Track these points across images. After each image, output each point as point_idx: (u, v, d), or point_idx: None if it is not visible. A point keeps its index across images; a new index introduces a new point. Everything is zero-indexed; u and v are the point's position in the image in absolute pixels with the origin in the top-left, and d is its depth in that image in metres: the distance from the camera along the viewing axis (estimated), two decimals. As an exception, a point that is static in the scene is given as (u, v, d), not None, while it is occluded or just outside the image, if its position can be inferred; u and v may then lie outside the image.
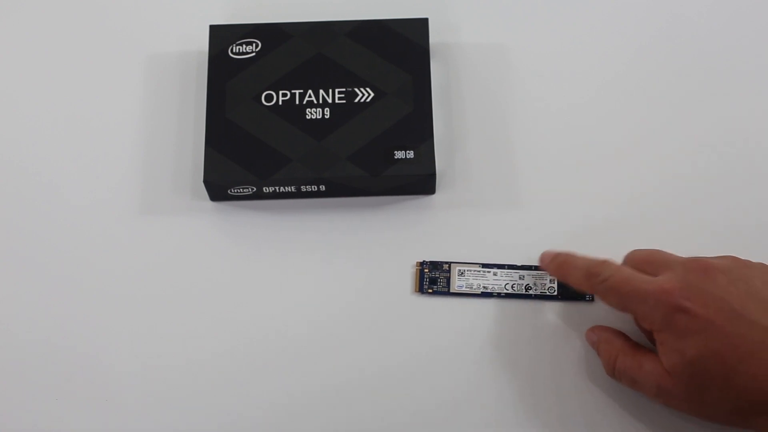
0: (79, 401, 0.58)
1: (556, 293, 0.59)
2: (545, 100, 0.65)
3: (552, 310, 0.59)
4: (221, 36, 0.65)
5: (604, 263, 0.55)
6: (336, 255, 0.61)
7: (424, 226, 0.62)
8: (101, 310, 0.60)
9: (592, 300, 0.59)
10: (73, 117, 0.66)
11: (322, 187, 0.62)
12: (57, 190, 0.63)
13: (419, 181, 0.61)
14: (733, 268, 0.52)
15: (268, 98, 0.63)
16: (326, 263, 0.61)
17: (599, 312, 0.59)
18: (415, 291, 0.60)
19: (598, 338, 0.57)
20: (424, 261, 0.60)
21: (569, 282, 0.57)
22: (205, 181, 0.61)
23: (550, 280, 0.59)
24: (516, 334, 0.59)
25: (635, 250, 0.57)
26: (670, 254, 0.55)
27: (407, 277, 0.61)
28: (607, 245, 0.59)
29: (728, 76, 0.66)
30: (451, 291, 0.60)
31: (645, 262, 0.55)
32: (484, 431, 0.57)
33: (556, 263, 0.58)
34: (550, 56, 0.67)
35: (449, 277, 0.60)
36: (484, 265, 0.60)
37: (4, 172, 0.64)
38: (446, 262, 0.60)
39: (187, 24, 0.68)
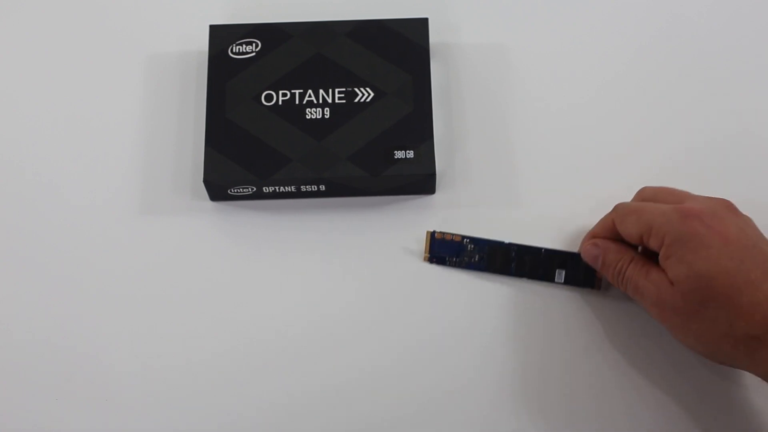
0: (79, 401, 0.58)
1: (563, 280, 0.59)
2: (545, 100, 0.65)
3: (557, 294, 0.60)
4: (221, 36, 0.65)
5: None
6: (336, 255, 0.61)
7: (424, 226, 0.62)
8: (101, 310, 0.60)
9: (599, 287, 0.59)
10: (73, 117, 0.66)
11: (322, 187, 0.62)
12: (57, 190, 0.63)
13: (419, 181, 0.61)
14: (749, 219, 0.54)
15: (268, 98, 0.63)
16: (326, 263, 0.61)
17: (601, 300, 0.59)
18: (425, 259, 0.60)
19: (604, 249, 0.57)
20: (434, 231, 0.61)
21: (597, 229, 0.58)
22: (205, 181, 0.61)
23: (559, 264, 0.60)
24: (522, 316, 0.59)
25: (649, 187, 0.58)
26: (688, 193, 0.56)
27: (407, 277, 0.61)
28: (607, 245, 0.59)
29: (728, 76, 0.66)
30: (462, 265, 0.60)
31: (666, 192, 0.56)
32: (485, 415, 0.57)
33: (585, 239, 0.59)
34: (550, 56, 0.67)
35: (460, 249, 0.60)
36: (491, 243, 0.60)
37: (4, 172, 0.64)
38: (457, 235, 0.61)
39: (187, 24, 0.68)
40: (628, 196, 0.60)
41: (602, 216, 0.59)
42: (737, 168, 0.63)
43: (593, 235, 0.59)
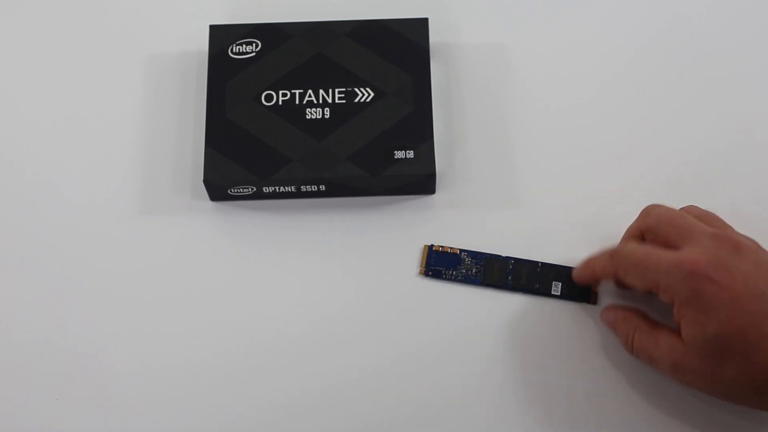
0: (79, 401, 0.58)
1: (560, 293, 0.59)
2: (545, 100, 0.65)
3: (553, 307, 0.60)
4: (221, 36, 0.65)
5: (626, 241, 0.55)
6: (336, 255, 0.61)
7: (424, 226, 0.62)
8: (101, 310, 0.60)
9: (594, 301, 0.59)
10: (73, 117, 0.66)
11: (322, 187, 0.62)
12: (57, 190, 0.63)
13: (419, 181, 0.61)
14: (758, 249, 0.52)
15: (268, 98, 0.63)
16: (326, 263, 0.61)
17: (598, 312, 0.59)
18: (420, 273, 0.60)
19: (615, 317, 0.57)
20: (431, 245, 0.61)
21: (597, 273, 0.57)
22: (205, 181, 0.61)
23: (554, 277, 0.59)
24: (520, 329, 0.59)
25: (658, 207, 0.56)
26: (696, 223, 0.54)
27: (408, 276, 0.61)
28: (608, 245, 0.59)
29: (728, 77, 0.66)
30: (458, 279, 0.60)
31: (669, 224, 0.54)
32: (481, 425, 0.57)
33: (580, 266, 0.58)
34: (550, 56, 0.67)
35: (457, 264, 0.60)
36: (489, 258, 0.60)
37: (4, 172, 0.64)
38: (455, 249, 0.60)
39: (187, 24, 0.68)
40: (628, 196, 0.60)
41: (602, 216, 0.59)
42: (737, 168, 0.63)
43: (589, 267, 0.58)
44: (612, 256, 0.55)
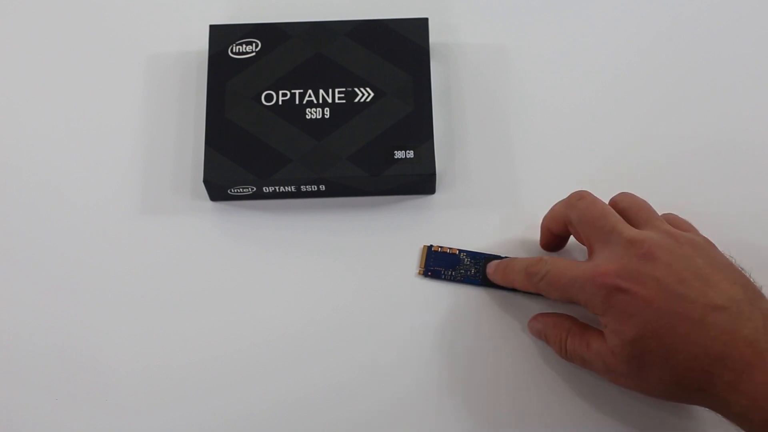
0: (79, 401, 0.58)
1: None
2: (545, 101, 0.65)
3: (551, 307, 0.60)
4: (221, 36, 0.65)
5: (540, 261, 0.56)
6: (336, 255, 0.61)
7: (424, 226, 0.62)
8: (102, 310, 0.60)
9: None
10: (73, 117, 0.66)
11: (322, 187, 0.62)
12: (57, 190, 0.63)
13: (419, 181, 0.61)
14: (675, 247, 0.52)
15: (268, 98, 0.63)
16: (326, 263, 0.61)
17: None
18: (419, 273, 0.60)
19: (544, 325, 0.57)
20: (430, 246, 0.61)
21: (515, 286, 0.58)
22: (205, 181, 0.61)
23: None
24: (519, 329, 0.59)
25: (584, 199, 0.56)
26: (615, 226, 0.53)
27: (408, 276, 0.61)
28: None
29: (729, 78, 0.66)
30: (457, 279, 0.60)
31: (588, 225, 0.54)
32: (488, 418, 0.57)
33: (499, 271, 0.59)
34: (550, 57, 0.67)
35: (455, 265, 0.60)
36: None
37: (5, 172, 0.64)
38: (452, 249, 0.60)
39: (187, 24, 0.68)
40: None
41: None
42: (737, 169, 0.63)
43: (509, 278, 0.58)
44: (529, 277, 0.56)
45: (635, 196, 0.57)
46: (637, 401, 0.57)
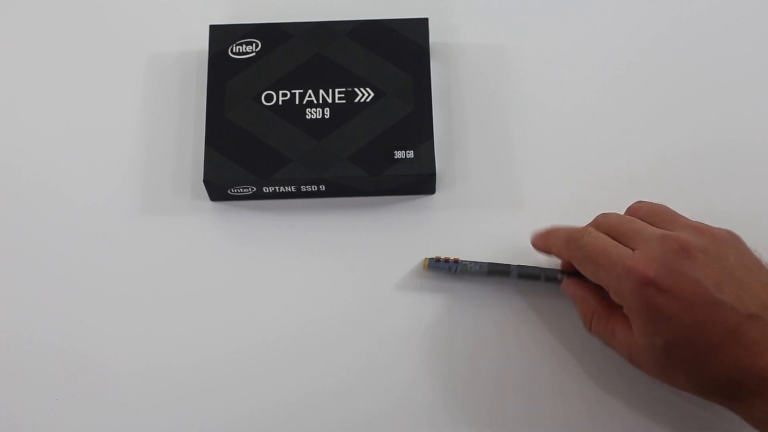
0: (79, 401, 0.58)
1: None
2: (545, 101, 0.65)
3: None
4: (221, 36, 0.65)
5: (585, 229, 0.55)
6: (336, 255, 0.61)
7: (424, 226, 0.62)
8: (102, 310, 0.60)
9: None
10: (73, 117, 0.66)
11: (322, 187, 0.62)
12: (57, 190, 0.63)
13: (419, 181, 0.61)
14: (709, 245, 0.51)
15: (268, 98, 0.63)
16: (326, 263, 0.61)
17: None
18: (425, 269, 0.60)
19: (574, 294, 0.57)
20: (431, 259, 0.60)
21: (552, 252, 0.57)
22: (205, 181, 0.61)
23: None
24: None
25: (608, 215, 0.56)
26: (644, 227, 0.53)
27: (408, 276, 0.61)
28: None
29: (729, 78, 0.66)
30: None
31: (618, 232, 0.53)
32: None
33: (542, 235, 0.58)
34: (550, 57, 0.67)
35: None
36: (490, 272, 0.60)
37: (5, 172, 0.64)
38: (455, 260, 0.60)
39: (187, 24, 0.68)
40: (628, 197, 0.60)
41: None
42: (737, 170, 0.63)
43: (548, 242, 0.57)
44: (568, 243, 0.55)
45: (651, 202, 0.56)
46: (652, 401, 0.57)
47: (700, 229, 0.52)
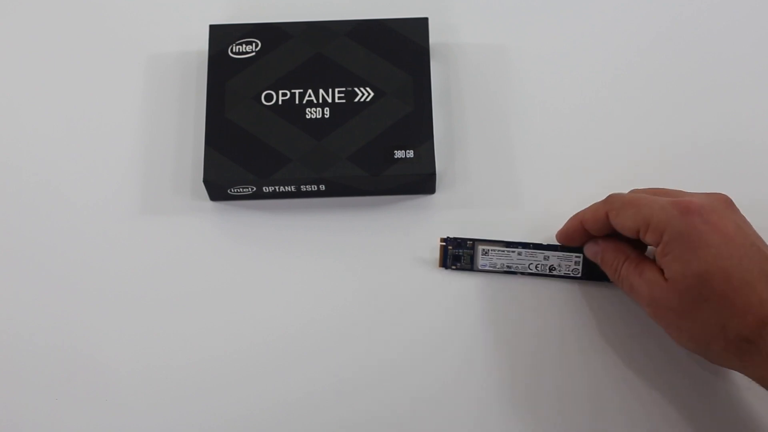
0: (79, 401, 0.58)
1: (580, 274, 0.59)
2: (545, 101, 0.65)
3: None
4: (221, 36, 0.65)
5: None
6: (335, 255, 0.61)
7: (424, 226, 0.62)
8: (102, 310, 0.60)
9: None
10: (73, 117, 0.66)
11: (322, 187, 0.62)
12: (57, 190, 0.63)
13: (419, 180, 0.61)
14: (745, 218, 0.54)
15: (268, 98, 0.63)
16: (325, 263, 0.61)
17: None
18: (439, 266, 0.60)
19: (603, 247, 0.57)
20: (447, 237, 0.60)
21: (587, 217, 0.57)
22: (205, 181, 0.61)
23: (575, 262, 0.59)
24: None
25: (633, 191, 0.57)
26: (677, 191, 0.55)
27: (407, 276, 0.61)
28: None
29: (729, 78, 0.66)
30: (475, 269, 0.60)
31: (660, 192, 0.55)
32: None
33: (569, 220, 0.59)
34: (550, 57, 0.67)
35: (473, 254, 0.60)
36: (508, 244, 0.60)
37: (5, 172, 0.64)
38: (470, 239, 0.60)
39: (187, 24, 0.68)
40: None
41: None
42: (737, 170, 0.63)
43: (582, 220, 0.58)
44: (605, 200, 0.56)
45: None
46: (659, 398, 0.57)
47: None
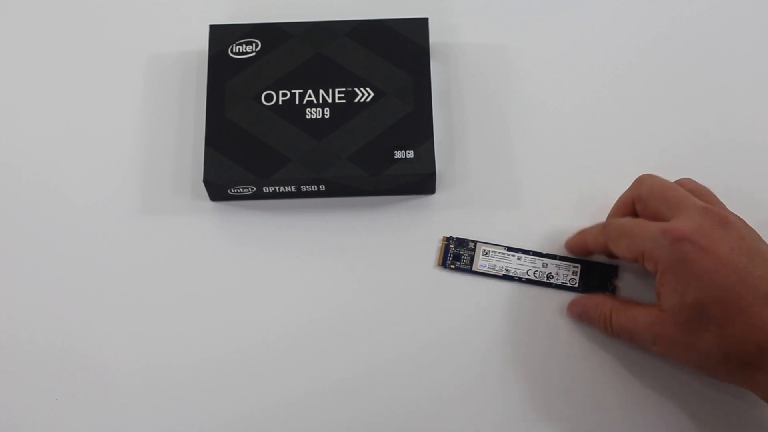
0: (79, 401, 0.58)
1: (577, 285, 0.59)
2: (545, 101, 0.65)
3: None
4: (221, 36, 0.65)
5: (617, 214, 0.57)
6: (335, 255, 0.61)
7: (424, 226, 0.62)
8: (101, 310, 0.60)
9: (613, 292, 0.59)
10: (73, 117, 0.66)
11: (322, 187, 0.62)
12: (57, 190, 0.63)
13: (419, 180, 0.61)
14: (744, 225, 0.53)
15: (268, 98, 0.63)
16: (326, 263, 0.61)
17: None
18: (439, 264, 0.60)
19: (585, 306, 0.58)
20: (450, 237, 0.61)
21: (588, 241, 0.58)
22: (205, 181, 0.61)
23: (573, 272, 0.60)
24: (532, 321, 0.59)
25: (652, 177, 0.57)
26: (687, 196, 0.54)
27: (407, 276, 0.61)
28: (607, 245, 0.59)
29: (729, 78, 0.66)
30: (474, 269, 0.60)
31: (660, 195, 0.55)
32: (492, 416, 0.57)
33: (574, 236, 0.59)
34: (550, 57, 0.67)
35: (473, 255, 0.60)
36: (510, 249, 0.60)
37: (5, 172, 0.64)
38: (472, 240, 0.60)
39: (187, 24, 0.68)
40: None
41: (601, 217, 0.59)
42: (737, 170, 0.63)
43: (582, 237, 0.59)
44: (604, 226, 0.57)
45: (698, 183, 0.57)
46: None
47: (738, 217, 0.54)
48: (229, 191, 0.62)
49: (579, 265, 0.60)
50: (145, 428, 0.57)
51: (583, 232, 0.59)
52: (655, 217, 0.54)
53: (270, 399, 0.58)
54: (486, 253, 0.60)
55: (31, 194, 0.63)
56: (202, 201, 0.63)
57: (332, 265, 0.61)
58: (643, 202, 0.56)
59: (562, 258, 0.60)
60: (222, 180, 0.61)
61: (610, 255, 0.57)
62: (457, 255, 0.60)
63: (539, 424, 0.57)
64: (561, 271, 0.60)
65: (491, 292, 0.60)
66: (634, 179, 0.60)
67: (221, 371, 0.58)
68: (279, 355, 0.59)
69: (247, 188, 0.62)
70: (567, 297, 0.60)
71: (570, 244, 0.60)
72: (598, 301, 0.57)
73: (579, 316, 0.58)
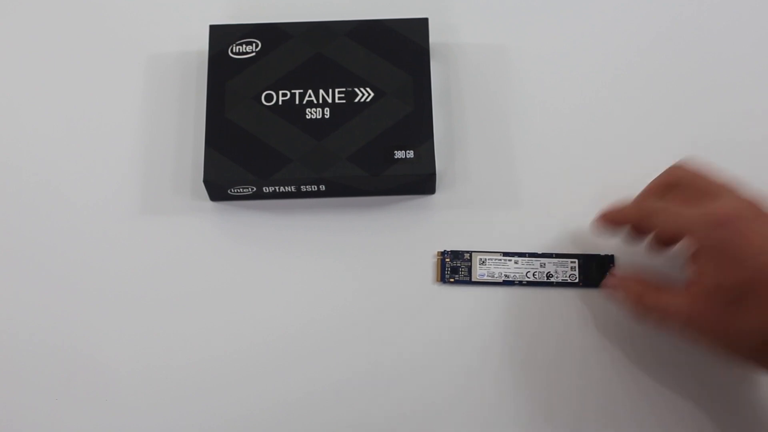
0: (79, 401, 0.58)
1: (577, 280, 0.60)
2: (545, 101, 0.65)
3: (574, 298, 0.60)
4: (221, 36, 0.65)
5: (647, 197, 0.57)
6: (335, 255, 0.61)
7: (424, 226, 0.62)
8: (101, 310, 0.60)
9: None
10: (73, 117, 0.66)
11: (322, 187, 0.62)
12: (57, 190, 0.63)
13: (419, 181, 0.61)
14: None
15: (268, 98, 0.63)
16: (326, 263, 0.61)
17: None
18: (437, 281, 0.60)
19: (621, 282, 0.57)
20: (445, 251, 0.60)
21: (627, 218, 0.57)
22: (205, 181, 0.61)
23: (571, 267, 0.60)
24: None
25: (689, 162, 0.56)
26: (725, 182, 0.55)
27: (407, 276, 0.61)
28: (608, 246, 0.59)
29: (729, 78, 0.66)
30: (473, 280, 0.60)
31: (702, 178, 0.55)
32: (493, 416, 0.57)
33: (608, 210, 0.58)
34: (550, 57, 0.67)
35: (470, 266, 0.60)
36: (505, 254, 0.60)
37: (5, 172, 0.64)
38: (467, 251, 0.60)
39: (187, 24, 0.68)
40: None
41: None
42: (737, 170, 0.63)
43: (615, 208, 0.58)
44: (638, 204, 0.56)
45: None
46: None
47: None
48: (229, 191, 0.62)
49: (576, 260, 0.60)
50: (145, 428, 0.57)
51: (615, 205, 0.58)
52: (690, 201, 0.54)
53: (270, 399, 0.58)
54: (483, 262, 0.60)
55: (31, 194, 0.63)
56: (202, 201, 0.63)
57: (332, 266, 0.61)
58: (680, 185, 0.56)
59: (558, 255, 0.60)
60: (222, 180, 0.61)
61: (640, 232, 0.57)
62: (454, 268, 0.60)
63: (545, 426, 0.57)
64: (560, 269, 0.60)
65: (493, 299, 0.60)
66: (633, 179, 0.60)
67: (221, 371, 0.59)
68: (279, 355, 0.59)
69: (247, 188, 0.62)
70: (569, 295, 0.60)
71: (604, 217, 0.58)
72: (629, 284, 0.57)
73: (614, 287, 0.58)
